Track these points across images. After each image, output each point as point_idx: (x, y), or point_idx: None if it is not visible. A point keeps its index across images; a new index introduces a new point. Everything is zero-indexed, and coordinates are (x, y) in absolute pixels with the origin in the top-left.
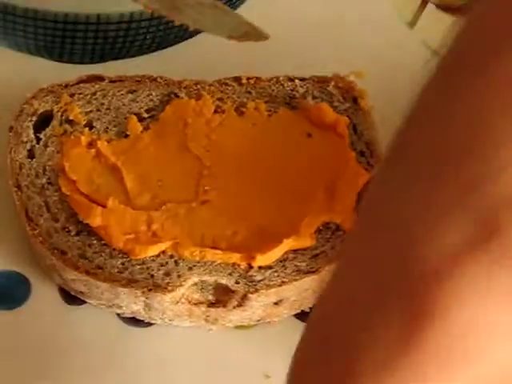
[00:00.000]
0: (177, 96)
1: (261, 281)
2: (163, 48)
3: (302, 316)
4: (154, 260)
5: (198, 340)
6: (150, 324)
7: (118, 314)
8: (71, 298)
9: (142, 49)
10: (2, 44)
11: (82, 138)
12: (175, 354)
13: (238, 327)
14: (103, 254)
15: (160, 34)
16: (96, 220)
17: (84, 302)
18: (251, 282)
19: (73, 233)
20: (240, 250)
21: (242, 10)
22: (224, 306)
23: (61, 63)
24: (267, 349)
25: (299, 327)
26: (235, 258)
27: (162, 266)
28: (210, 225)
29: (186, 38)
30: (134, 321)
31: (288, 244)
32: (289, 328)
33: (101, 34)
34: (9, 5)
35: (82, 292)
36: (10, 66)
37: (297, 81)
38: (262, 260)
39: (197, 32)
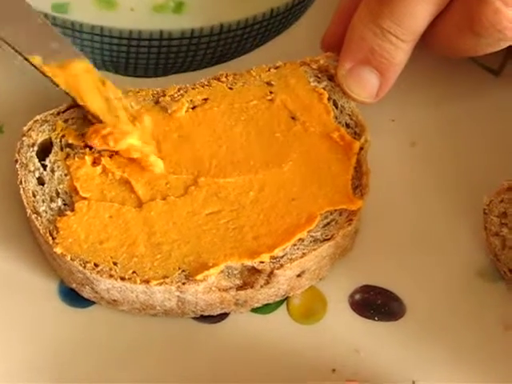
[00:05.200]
0: (157, 103)
1: (283, 256)
2: (223, 62)
3: (364, 313)
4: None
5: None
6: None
7: None
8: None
9: (203, 63)
10: None
11: (86, 157)
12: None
13: (298, 320)
14: (135, 258)
15: (220, 48)
16: None
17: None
18: (275, 258)
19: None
20: (259, 250)
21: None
22: (252, 287)
23: (126, 77)
24: (333, 342)
25: (361, 322)
26: (256, 258)
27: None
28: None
29: (245, 52)
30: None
31: (300, 234)
32: (351, 323)
33: (163, 49)
34: (76, 22)
35: (114, 300)
36: None
37: (272, 70)
38: (278, 251)
39: (256, 46)
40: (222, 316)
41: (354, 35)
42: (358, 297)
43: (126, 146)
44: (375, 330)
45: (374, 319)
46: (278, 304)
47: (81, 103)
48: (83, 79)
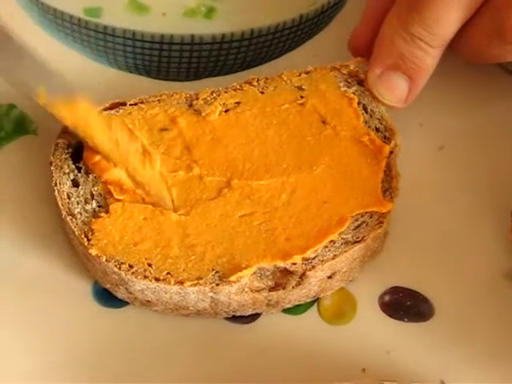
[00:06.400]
0: (191, 106)
1: (315, 258)
2: (254, 66)
3: (394, 314)
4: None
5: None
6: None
7: None
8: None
9: (234, 67)
10: (104, 62)
11: None
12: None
13: (328, 321)
14: (169, 260)
15: (250, 53)
16: None
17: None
18: (307, 260)
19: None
20: (292, 252)
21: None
22: (284, 288)
23: (158, 80)
24: (363, 343)
25: (391, 323)
26: (288, 260)
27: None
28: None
29: (275, 57)
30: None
31: (331, 236)
32: (381, 324)
33: (195, 53)
34: (108, 27)
35: (148, 301)
36: (113, 83)
37: (303, 75)
38: (309, 253)
39: (286, 51)
40: (254, 316)
41: (384, 41)
42: (387, 298)
43: (113, 178)
44: (404, 330)
45: (404, 320)
46: (309, 305)
47: (91, 145)
48: (92, 120)
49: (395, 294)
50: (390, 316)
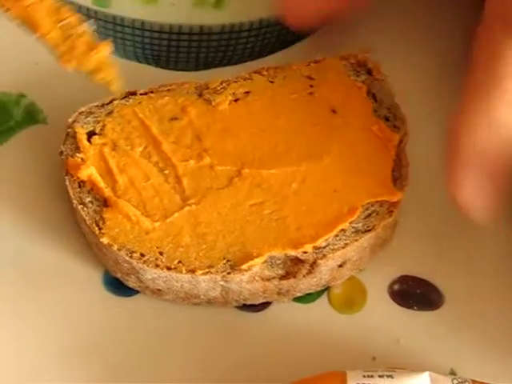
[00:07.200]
0: (200, 96)
1: (326, 246)
2: (263, 56)
3: (403, 302)
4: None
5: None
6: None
7: None
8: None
9: (243, 57)
10: (114, 52)
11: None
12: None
13: (339, 309)
14: (181, 248)
15: (259, 43)
16: None
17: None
18: (318, 249)
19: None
20: (302, 241)
21: None
22: (294, 277)
23: (167, 70)
24: (373, 331)
25: (401, 312)
26: (299, 249)
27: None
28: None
29: (285, 47)
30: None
31: (342, 225)
32: (391, 312)
33: (203, 43)
34: (117, 16)
35: (159, 290)
36: (122, 73)
37: (312, 64)
38: (320, 242)
39: (295, 41)
40: (265, 305)
41: (463, 147)
42: (397, 287)
43: (83, 176)
44: (414, 319)
45: (413, 309)
46: (319, 294)
47: (35, 35)
48: (36, 9)
49: (405, 282)
50: (400, 305)
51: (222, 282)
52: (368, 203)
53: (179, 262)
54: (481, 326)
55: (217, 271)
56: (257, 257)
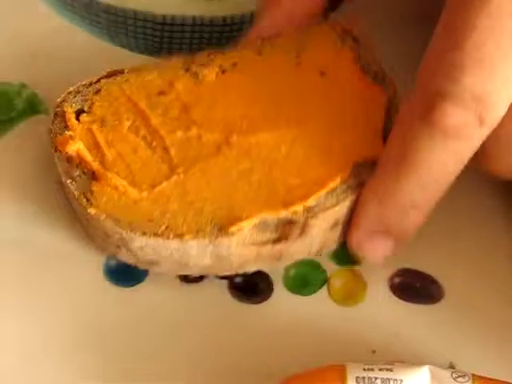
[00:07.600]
0: (187, 71)
1: (317, 206)
2: None
3: (403, 295)
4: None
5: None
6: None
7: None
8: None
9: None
10: (108, 41)
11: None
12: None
13: (339, 302)
14: (168, 214)
15: None
16: None
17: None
18: (309, 208)
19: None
20: (293, 201)
21: None
22: (286, 239)
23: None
24: (374, 324)
25: (401, 305)
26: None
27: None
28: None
29: None
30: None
31: (332, 182)
32: (391, 305)
33: (196, 35)
34: (111, 6)
35: (151, 262)
36: (114, 61)
37: (299, 33)
38: (311, 201)
39: None
40: (263, 297)
41: (368, 210)
42: (397, 280)
43: (71, 151)
44: (414, 312)
45: (413, 302)
46: (319, 286)
47: None
48: None
49: (405, 276)
50: (400, 298)
51: (211, 247)
52: (359, 161)
53: (167, 227)
54: (481, 320)
55: (205, 235)
56: (246, 219)
